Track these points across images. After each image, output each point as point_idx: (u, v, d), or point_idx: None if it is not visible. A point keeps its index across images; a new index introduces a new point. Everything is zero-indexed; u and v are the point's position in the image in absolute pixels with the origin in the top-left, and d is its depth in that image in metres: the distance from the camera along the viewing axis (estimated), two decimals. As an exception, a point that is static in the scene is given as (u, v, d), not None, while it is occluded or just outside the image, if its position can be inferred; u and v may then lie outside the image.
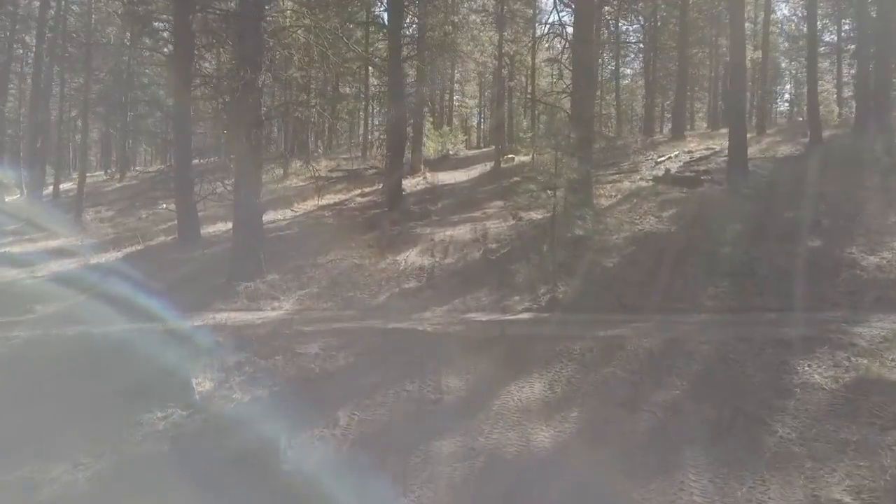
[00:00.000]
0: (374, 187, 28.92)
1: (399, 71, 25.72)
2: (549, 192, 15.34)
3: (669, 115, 50.13)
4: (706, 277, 14.47)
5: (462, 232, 19.85)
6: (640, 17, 39.59)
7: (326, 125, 28.96)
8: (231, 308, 15.07)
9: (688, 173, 25.24)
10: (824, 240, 15.89)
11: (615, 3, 36.64)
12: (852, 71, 49.36)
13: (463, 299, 14.93)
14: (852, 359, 9.74)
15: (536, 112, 43.22)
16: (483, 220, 21.49)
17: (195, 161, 23.01)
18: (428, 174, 30.68)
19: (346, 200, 27.54)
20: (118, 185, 40.52)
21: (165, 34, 27.93)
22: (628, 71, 51.67)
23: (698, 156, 28.73)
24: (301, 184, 30.20)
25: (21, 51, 41.94)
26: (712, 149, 29.74)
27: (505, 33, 32.72)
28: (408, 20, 30.86)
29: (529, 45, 36.20)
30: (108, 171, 48.42)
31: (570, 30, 30.91)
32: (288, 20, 19.39)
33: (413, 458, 8.48)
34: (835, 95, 43.38)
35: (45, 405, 9.98)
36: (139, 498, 8.18)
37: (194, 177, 22.25)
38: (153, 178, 27.40)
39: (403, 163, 27.06)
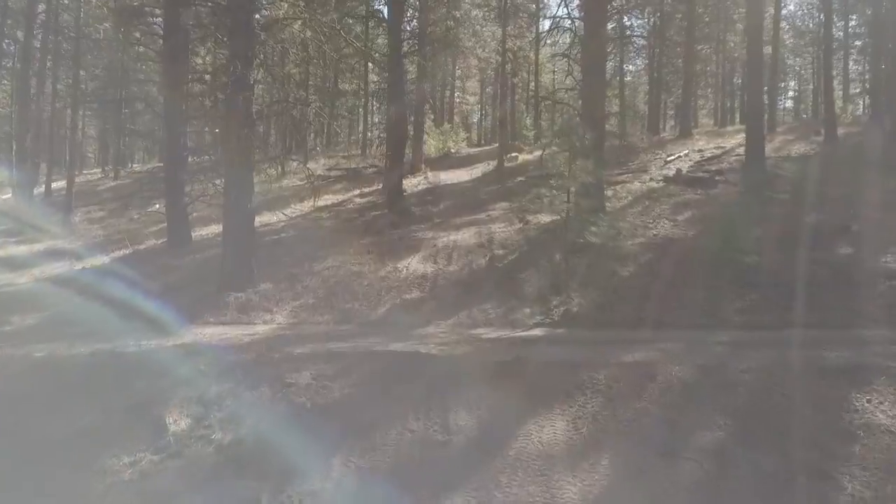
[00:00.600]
0: (374, 187, 27.97)
1: (399, 67, 24.73)
2: (556, 193, 14.37)
3: (672, 113, 49.35)
4: (731, 289, 13.42)
5: (466, 236, 18.82)
6: (647, 10, 38.46)
7: (325, 123, 27.89)
8: (220, 321, 14.04)
9: (700, 173, 24.34)
10: (855, 247, 14.88)
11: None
12: (858, 67, 48.76)
13: (469, 312, 13.89)
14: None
15: (540, 109, 42.49)
16: (488, 222, 20.48)
17: (190, 160, 21.95)
18: (429, 173, 29.76)
19: (345, 201, 26.55)
20: (112, 183, 39.52)
21: (157, 29, 26.92)
22: (631, 67, 50.74)
23: (709, 155, 27.86)
24: (298, 183, 29.12)
25: (13, 47, 40.91)
26: (723, 147, 28.84)
27: (508, 28, 31.81)
28: (408, 14, 29.91)
29: (534, 40, 35.33)
30: (105, 168, 47.37)
31: (571, 26, 30.52)
32: (282, 12, 18.29)
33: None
34: (841, 92, 42.41)
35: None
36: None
37: (185, 177, 21.23)
38: (142, 179, 26.32)
39: (404, 161, 26.06)
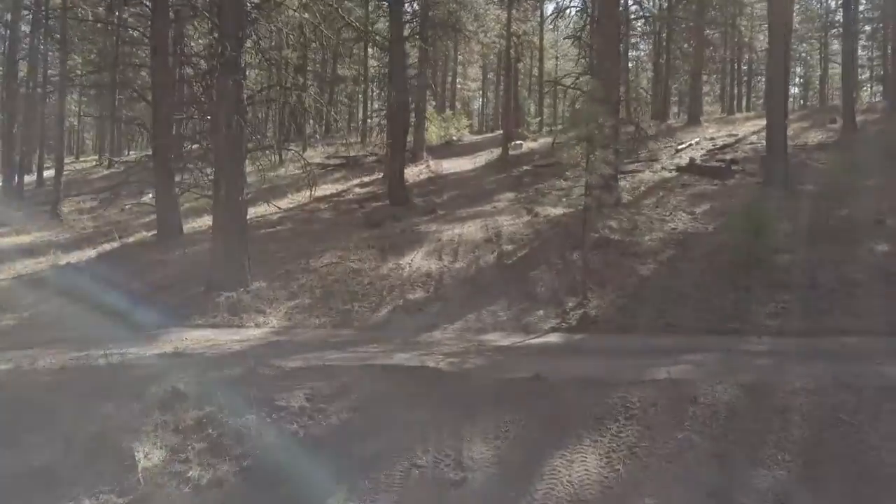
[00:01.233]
0: (375, 176, 26.94)
1: (401, 50, 23.57)
2: (574, 186, 13.33)
3: (676, 99, 48.12)
4: (762, 290, 12.38)
5: (472, 230, 17.77)
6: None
7: (323, 109, 26.76)
8: (209, 323, 13.00)
9: (714, 162, 23.33)
10: (891, 243, 13.85)
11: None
12: (866, 53, 47.55)
13: (477, 314, 12.86)
14: None
15: (544, 93, 41.37)
16: (494, 214, 19.45)
17: (182, 148, 20.84)
18: (431, 162, 28.74)
19: (345, 191, 25.51)
20: (105, 171, 38.42)
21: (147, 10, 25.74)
22: (633, 53, 49.49)
23: (721, 143, 26.85)
24: (296, 171, 27.94)
25: (3, 31, 39.68)
26: (735, 135, 27.81)
27: (513, 11, 30.68)
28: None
29: (538, 24, 34.19)
30: (102, 156, 46.19)
31: (582, 7, 29.37)
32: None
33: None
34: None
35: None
36: None
37: (176, 167, 20.12)
38: (129, 168, 25.20)
39: (405, 150, 24.98)
